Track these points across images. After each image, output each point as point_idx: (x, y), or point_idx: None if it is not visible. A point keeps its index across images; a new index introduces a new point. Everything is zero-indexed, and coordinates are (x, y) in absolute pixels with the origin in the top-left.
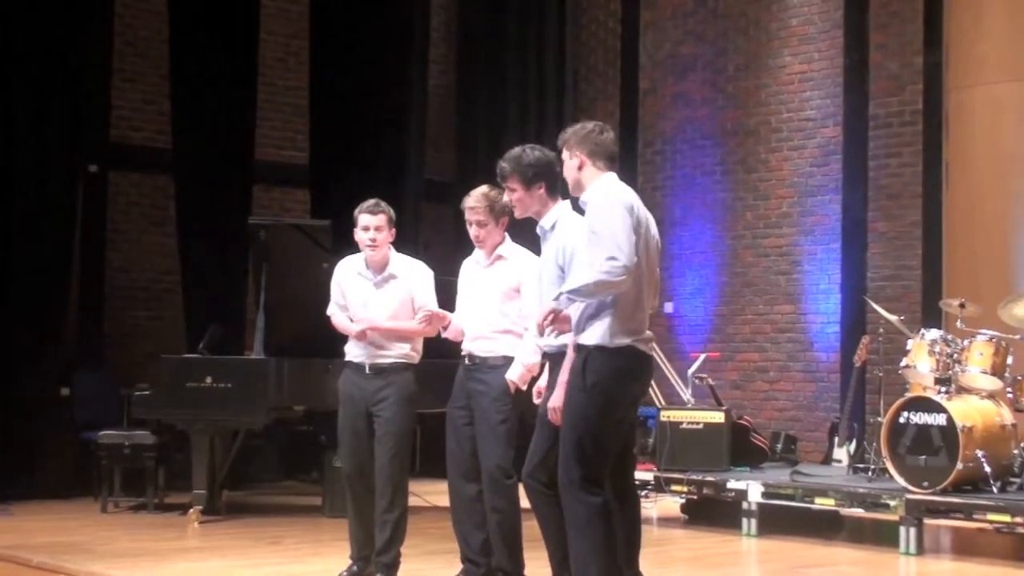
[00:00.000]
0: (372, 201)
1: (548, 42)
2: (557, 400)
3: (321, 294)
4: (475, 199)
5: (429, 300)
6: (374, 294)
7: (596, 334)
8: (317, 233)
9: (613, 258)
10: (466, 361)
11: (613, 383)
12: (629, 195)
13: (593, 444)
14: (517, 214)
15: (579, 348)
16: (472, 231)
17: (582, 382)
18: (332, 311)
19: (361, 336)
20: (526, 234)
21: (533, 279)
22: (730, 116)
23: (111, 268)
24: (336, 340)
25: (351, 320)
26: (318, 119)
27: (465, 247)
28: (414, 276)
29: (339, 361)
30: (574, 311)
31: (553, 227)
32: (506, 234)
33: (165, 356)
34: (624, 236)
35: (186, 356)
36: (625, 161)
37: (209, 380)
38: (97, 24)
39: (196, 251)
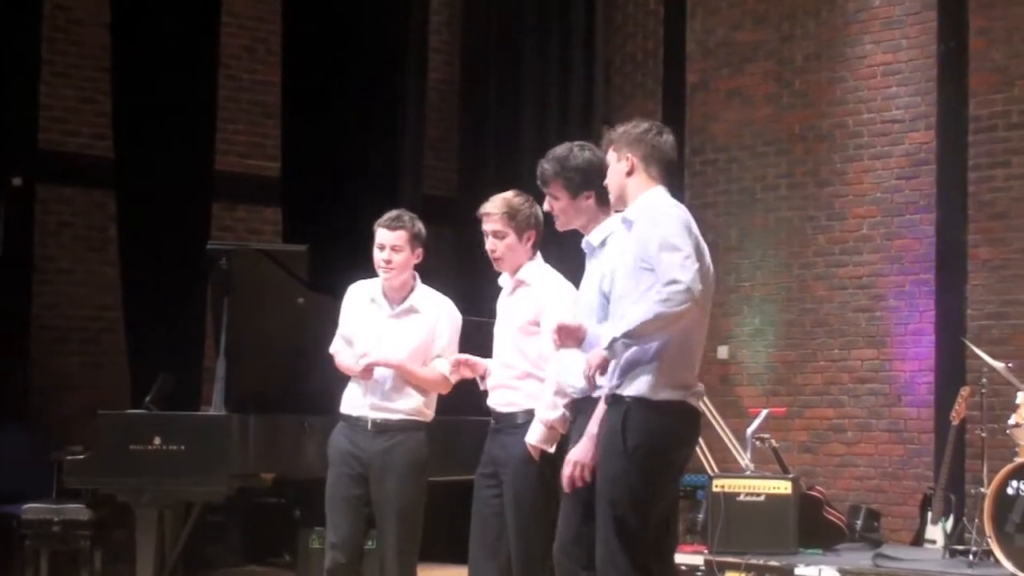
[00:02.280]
0: (393, 213)
1: (575, 27)
2: (579, 453)
3: (296, 335)
4: (493, 204)
5: (450, 350)
6: (389, 328)
7: (638, 384)
8: (291, 260)
9: (674, 281)
10: (492, 421)
11: (660, 444)
12: (687, 213)
13: (639, 521)
14: (559, 225)
15: (615, 400)
16: (487, 244)
17: (622, 444)
18: (337, 347)
19: (366, 375)
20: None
21: (554, 308)
22: (798, 117)
23: (38, 303)
24: (317, 393)
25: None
26: (292, 121)
27: (470, 277)
28: (439, 315)
29: (317, 418)
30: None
31: (603, 244)
32: (538, 255)
33: (103, 412)
34: (689, 256)
35: (129, 412)
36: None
37: (158, 441)
38: (22, 6)
39: (142, 283)
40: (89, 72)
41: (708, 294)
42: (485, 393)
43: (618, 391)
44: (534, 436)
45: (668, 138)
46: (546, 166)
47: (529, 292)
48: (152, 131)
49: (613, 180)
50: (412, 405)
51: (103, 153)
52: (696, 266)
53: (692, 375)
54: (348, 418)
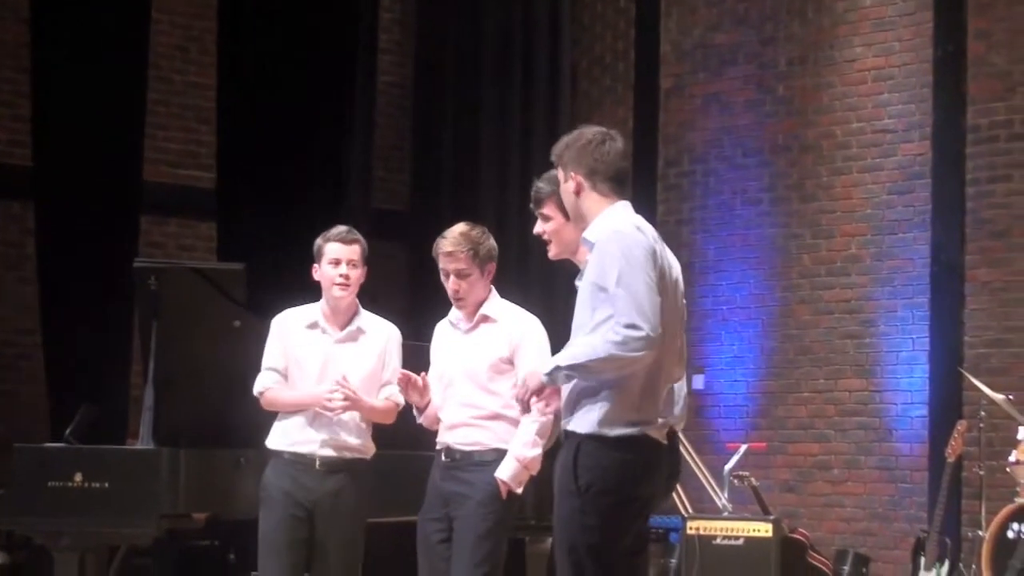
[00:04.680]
0: (343, 227)
1: (539, 26)
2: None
3: (232, 361)
4: (453, 241)
5: (399, 375)
6: (337, 355)
7: (590, 419)
8: (226, 280)
9: (633, 326)
10: (443, 457)
11: (615, 480)
12: (648, 234)
13: (598, 565)
14: (552, 253)
15: (567, 436)
16: (450, 285)
17: (573, 483)
18: (267, 383)
19: (340, 411)
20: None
21: (532, 344)
22: (782, 126)
23: None
24: (254, 425)
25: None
26: (228, 128)
27: (422, 300)
28: (388, 337)
29: (253, 452)
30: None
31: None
32: (492, 288)
33: (20, 445)
34: (646, 296)
35: (48, 445)
36: (641, 185)
37: (79, 478)
38: None
39: (63, 304)
40: (6, 72)
41: (676, 318)
42: (421, 426)
43: (569, 427)
44: (507, 472)
45: (614, 146)
46: (541, 184)
47: (497, 329)
48: (75, 137)
49: (566, 201)
50: (362, 441)
51: (21, 161)
52: (657, 302)
53: (653, 408)
54: (289, 455)
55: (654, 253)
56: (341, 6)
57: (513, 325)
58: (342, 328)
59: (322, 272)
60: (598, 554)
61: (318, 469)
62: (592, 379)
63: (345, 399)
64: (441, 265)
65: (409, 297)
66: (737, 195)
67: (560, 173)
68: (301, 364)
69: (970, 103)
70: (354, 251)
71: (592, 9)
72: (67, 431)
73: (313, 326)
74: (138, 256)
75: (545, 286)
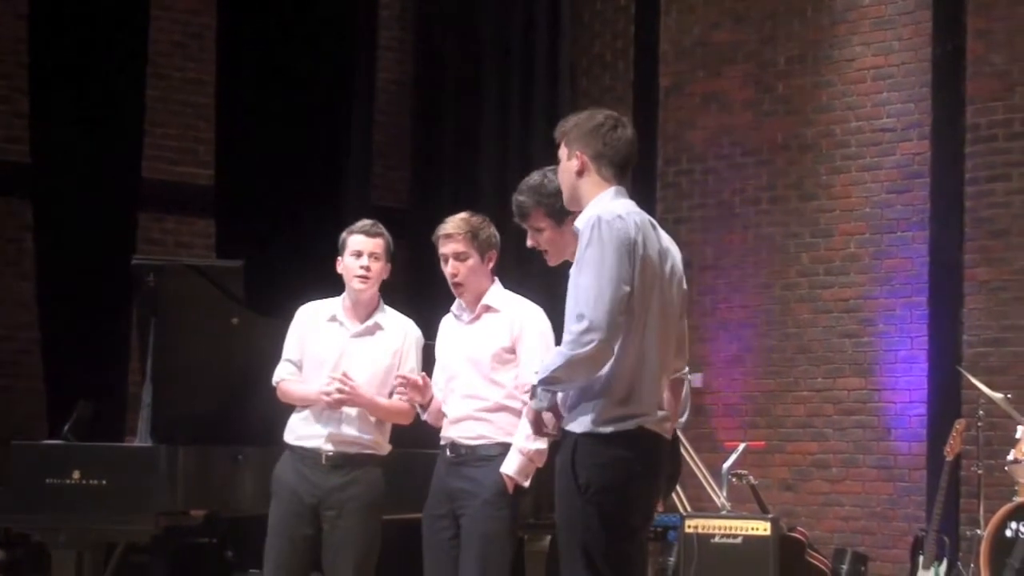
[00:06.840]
0: (369, 221)
1: (538, 25)
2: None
3: (230, 358)
4: (453, 225)
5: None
6: (351, 349)
7: (584, 419)
8: (225, 277)
9: (579, 316)
10: (447, 452)
11: (614, 477)
12: (631, 222)
13: (602, 564)
14: (552, 260)
15: (564, 435)
16: (448, 269)
17: (573, 482)
18: (282, 375)
19: (337, 405)
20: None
21: (533, 334)
22: (780, 125)
23: None
24: (253, 422)
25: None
26: (227, 124)
27: (422, 297)
28: (406, 335)
29: (253, 450)
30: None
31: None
32: (496, 279)
33: (17, 442)
34: (604, 287)
35: (46, 442)
36: (640, 184)
37: (77, 475)
38: None
39: (61, 300)
40: (4, 68)
41: (672, 307)
42: (425, 423)
43: (566, 427)
44: (511, 467)
45: (625, 132)
46: (522, 198)
47: (500, 319)
48: (73, 134)
49: (564, 180)
50: (371, 437)
51: (19, 158)
52: (618, 293)
53: (648, 400)
54: (297, 450)
55: (632, 244)
56: (341, 4)
57: (515, 314)
58: (361, 322)
59: (344, 264)
60: (601, 553)
61: (324, 464)
62: (572, 386)
63: (342, 392)
64: (440, 250)
65: (408, 295)
66: (736, 194)
67: (563, 151)
68: (316, 357)
69: (969, 102)
70: (377, 244)
71: (592, 7)
72: (65, 428)
73: (332, 319)
74: (136, 253)
75: (545, 284)
